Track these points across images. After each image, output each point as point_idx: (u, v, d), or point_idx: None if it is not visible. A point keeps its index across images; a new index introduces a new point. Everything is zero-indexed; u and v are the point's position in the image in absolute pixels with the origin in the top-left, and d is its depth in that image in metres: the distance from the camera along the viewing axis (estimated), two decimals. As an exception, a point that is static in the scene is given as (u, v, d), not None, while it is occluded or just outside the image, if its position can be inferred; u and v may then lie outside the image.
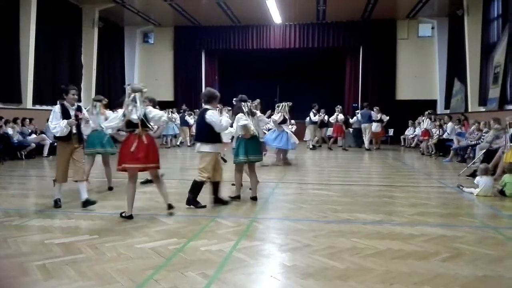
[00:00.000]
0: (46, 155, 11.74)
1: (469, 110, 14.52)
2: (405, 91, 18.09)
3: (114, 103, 18.48)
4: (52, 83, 14.46)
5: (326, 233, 4.26)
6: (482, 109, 13.83)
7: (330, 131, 16.08)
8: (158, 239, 4.01)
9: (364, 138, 15.24)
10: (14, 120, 11.61)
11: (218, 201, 5.56)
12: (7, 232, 4.25)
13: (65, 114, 5.23)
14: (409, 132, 16.48)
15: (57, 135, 5.24)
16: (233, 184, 6.29)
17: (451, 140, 12.05)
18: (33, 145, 11.48)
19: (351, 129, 16.28)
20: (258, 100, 8.31)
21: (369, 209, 5.39)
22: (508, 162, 7.03)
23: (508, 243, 4.05)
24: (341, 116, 15.01)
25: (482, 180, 6.36)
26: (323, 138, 15.81)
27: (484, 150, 8.92)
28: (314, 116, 14.54)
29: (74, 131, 5.28)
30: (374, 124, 15.14)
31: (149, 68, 19.40)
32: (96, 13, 16.25)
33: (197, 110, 15.77)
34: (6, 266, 3.35)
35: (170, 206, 4.98)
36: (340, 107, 15.56)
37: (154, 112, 4.88)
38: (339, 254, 3.61)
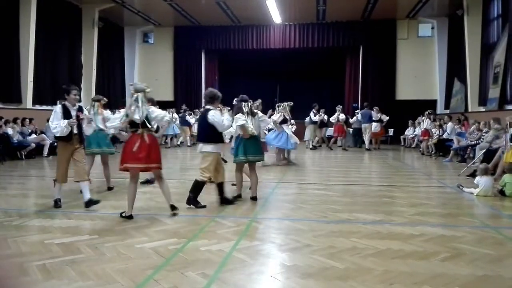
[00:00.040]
0: (46, 155, 11.74)
1: (469, 110, 14.52)
2: (405, 91, 18.10)
3: (114, 103, 18.49)
4: (52, 83, 14.47)
5: (326, 233, 4.26)
6: (482, 109, 13.83)
7: (329, 131, 16.11)
8: (158, 239, 4.01)
9: (364, 138, 15.25)
10: (14, 120, 11.61)
11: (225, 201, 5.56)
12: (7, 232, 4.25)
13: (66, 115, 5.22)
14: (409, 132, 16.48)
15: (57, 135, 5.23)
16: (233, 184, 6.30)
17: (451, 140, 12.05)
18: (33, 145, 11.48)
19: (350, 129, 16.28)
20: (259, 101, 8.33)
21: (369, 209, 5.39)
22: (508, 162, 7.03)
23: (508, 243, 4.05)
24: (342, 116, 15.03)
25: (482, 180, 6.36)
26: (322, 138, 15.81)
27: (484, 150, 8.92)
28: (315, 116, 14.53)
29: (75, 131, 5.27)
30: (374, 124, 15.15)
31: (149, 68, 19.40)
32: (96, 13, 16.26)
33: (197, 110, 15.85)
34: (6, 266, 3.35)
35: (173, 207, 4.93)
36: (341, 106, 15.58)
37: (156, 112, 4.88)
38: (339, 254, 3.61)
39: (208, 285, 2.96)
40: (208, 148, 5.34)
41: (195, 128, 15.53)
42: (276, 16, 17.20)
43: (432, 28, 18.06)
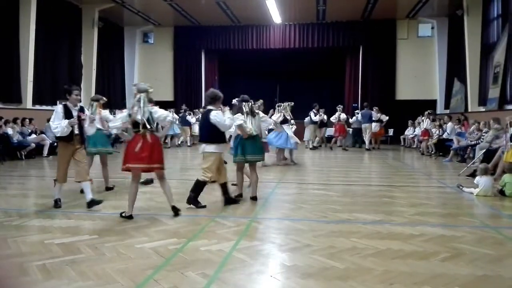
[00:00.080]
0: (46, 155, 11.74)
1: (469, 110, 14.52)
2: (405, 91, 18.10)
3: (114, 103, 18.48)
4: (52, 83, 14.48)
5: (326, 233, 4.26)
6: (482, 109, 13.83)
7: (329, 131, 16.12)
8: (158, 239, 4.01)
9: (364, 138, 15.26)
10: (14, 120, 11.61)
11: (230, 201, 5.57)
12: (7, 232, 4.25)
13: (68, 115, 5.22)
14: (409, 132, 16.48)
15: (58, 135, 5.23)
16: (233, 184, 6.30)
17: (451, 140, 12.06)
18: (33, 145, 11.48)
19: (350, 129, 16.29)
20: (261, 101, 8.34)
21: (369, 209, 5.39)
22: (508, 161, 7.03)
23: (507, 243, 4.05)
24: (343, 116, 15.05)
25: (482, 180, 6.37)
26: (322, 138, 15.81)
27: (484, 150, 8.92)
28: (315, 116, 14.53)
29: (76, 131, 5.26)
30: (374, 124, 15.16)
31: (149, 68, 19.40)
32: (96, 13, 16.26)
33: (197, 110, 15.86)
34: (6, 266, 3.35)
35: (175, 209, 4.90)
36: (342, 106, 15.59)
37: (159, 112, 4.86)
38: (339, 254, 3.61)
39: (208, 285, 2.96)
40: (211, 148, 5.34)
41: (195, 128, 15.55)
42: (276, 16, 17.21)
43: (432, 28, 18.06)
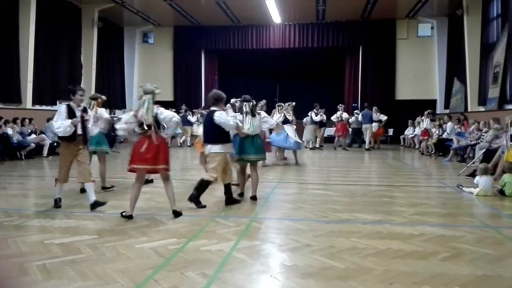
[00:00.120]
0: (45, 155, 11.73)
1: (469, 110, 14.53)
2: (405, 91, 18.10)
3: (114, 103, 18.40)
4: (52, 83, 14.48)
5: (326, 233, 4.27)
6: (481, 108, 13.84)
7: (328, 131, 16.14)
8: (158, 239, 4.02)
9: (364, 138, 15.26)
10: (14, 120, 11.60)
11: (232, 201, 5.57)
12: (7, 232, 4.25)
13: (71, 115, 5.21)
14: (408, 132, 16.49)
15: (60, 134, 5.22)
16: (234, 184, 6.29)
17: (451, 140, 12.06)
18: (33, 145, 11.48)
19: (350, 129, 16.28)
20: (264, 101, 8.35)
21: (369, 209, 5.39)
22: (508, 161, 7.03)
23: (507, 243, 4.05)
24: (345, 115, 15.06)
25: (481, 179, 6.37)
26: (321, 138, 15.79)
27: (484, 150, 8.92)
28: (316, 116, 14.53)
29: (79, 131, 5.26)
30: (374, 124, 15.17)
31: (149, 68, 19.40)
32: (95, 13, 16.26)
33: (196, 110, 15.85)
34: (6, 266, 3.35)
35: (175, 213, 4.88)
36: (343, 105, 15.60)
37: (165, 113, 4.85)
38: (339, 254, 3.61)
39: (208, 285, 2.96)
40: (216, 148, 5.36)
41: (194, 128, 15.53)
42: (275, 16, 17.21)
43: (432, 28, 18.06)
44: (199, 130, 7.22)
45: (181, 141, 16.08)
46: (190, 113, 15.99)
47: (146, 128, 4.74)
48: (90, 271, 3.20)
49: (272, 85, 19.17)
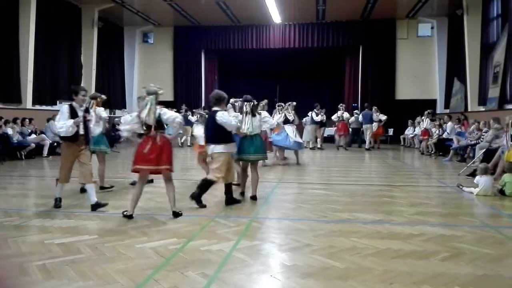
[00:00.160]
0: (45, 155, 11.73)
1: (469, 110, 14.52)
2: (405, 90, 18.09)
3: (114, 103, 18.35)
4: (52, 83, 14.48)
5: (326, 232, 4.26)
6: (481, 108, 13.83)
7: (327, 130, 16.12)
8: (158, 239, 4.02)
9: (365, 138, 15.26)
10: (14, 120, 11.60)
11: (232, 201, 5.57)
12: (7, 232, 4.25)
13: (73, 115, 5.20)
14: (408, 131, 16.49)
15: (62, 134, 5.21)
16: (234, 184, 6.29)
17: (451, 139, 12.06)
18: (33, 145, 11.48)
19: (350, 129, 16.29)
20: (265, 101, 8.35)
21: (369, 208, 5.39)
22: (509, 161, 7.03)
23: (507, 243, 4.05)
24: (346, 115, 15.06)
25: (481, 179, 6.37)
26: (321, 138, 15.79)
27: (484, 150, 8.92)
28: (317, 116, 14.53)
29: (81, 132, 5.25)
30: (374, 124, 15.17)
31: (149, 68, 19.39)
32: (95, 13, 16.25)
33: (195, 110, 15.85)
34: (6, 266, 3.35)
35: (175, 213, 4.87)
36: (344, 105, 15.60)
37: (168, 114, 4.84)
38: (339, 253, 3.61)
39: (208, 285, 2.96)
40: (219, 148, 5.36)
41: (194, 129, 15.50)
42: (275, 16, 17.20)
43: (432, 27, 18.05)
44: (195, 130, 7.21)
45: (182, 141, 16.07)
46: (190, 113, 15.98)
47: (145, 128, 4.74)
48: (90, 271, 3.20)
49: (272, 85, 19.17)
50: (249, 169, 6.11)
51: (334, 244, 3.86)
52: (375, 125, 15.24)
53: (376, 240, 3.99)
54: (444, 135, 12.87)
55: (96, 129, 5.74)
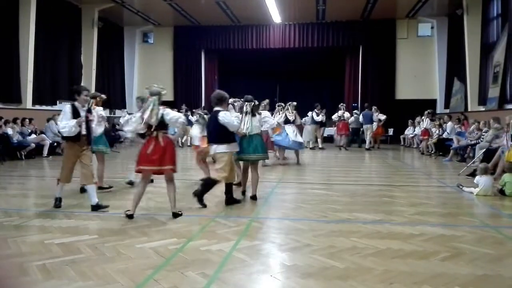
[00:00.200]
0: (45, 155, 11.73)
1: (469, 110, 14.52)
2: (405, 90, 18.09)
3: (114, 103, 18.30)
4: (52, 83, 14.47)
5: (326, 232, 4.26)
6: (481, 108, 13.83)
7: (327, 130, 16.11)
8: (158, 239, 4.02)
9: (365, 138, 15.26)
10: (14, 120, 11.60)
11: (232, 201, 5.57)
12: (7, 232, 4.25)
13: (76, 115, 5.19)
14: (408, 131, 16.49)
15: (65, 134, 5.20)
16: (235, 184, 6.29)
17: (451, 139, 12.06)
18: (33, 145, 11.48)
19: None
20: (267, 100, 8.34)
21: (369, 208, 5.39)
22: (509, 161, 7.03)
23: (507, 243, 4.05)
24: (347, 114, 15.05)
25: (481, 179, 6.37)
26: (321, 138, 15.80)
27: (484, 150, 8.92)
28: (317, 116, 14.53)
29: (83, 132, 5.24)
30: (374, 124, 15.17)
31: (149, 68, 19.39)
32: (95, 13, 16.25)
33: (195, 110, 15.85)
34: (6, 266, 3.35)
35: (175, 214, 4.86)
36: (344, 105, 15.60)
37: (171, 114, 4.84)
38: (339, 253, 3.61)
39: (208, 285, 2.96)
40: (222, 148, 5.37)
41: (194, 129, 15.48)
42: (275, 15, 17.20)
43: (432, 27, 18.05)
44: (192, 130, 7.22)
45: (183, 140, 16.06)
46: (190, 113, 15.97)
47: (146, 129, 4.75)
48: (90, 271, 3.20)
49: (272, 85, 19.18)
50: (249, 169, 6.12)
51: (334, 244, 3.86)
52: (374, 124, 15.24)
53: (376, 240, 3.99)
54: (444, 135, 12.87)
55: (98, 129, 5.74)
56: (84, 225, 4.56)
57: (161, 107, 4.81)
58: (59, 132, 11.36)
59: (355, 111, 16.16)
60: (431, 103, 17.09)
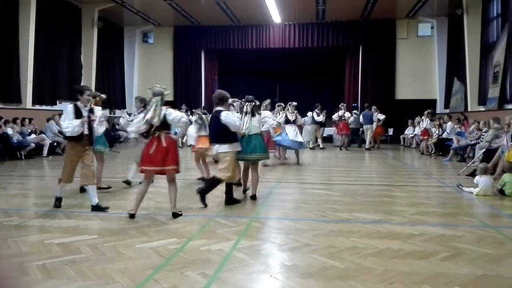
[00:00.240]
0: (45, 155, 11.73)
1: (469, 110, 14.52)
2: (405, 90, 18.10)
3: (114, 103, 18.28)
4: (52, 83, 14.47)
5: (326, 232, 4.27)
6: (481, 108, 13.83)
7: (327, 130, 16.10)
8: (158, 239, 4.02)
9: (365, 138, 15.26)
10: (14, 120, 11.60)
11: (231, 201, 5.57)
12: (7, 232, 4.25)
13: (78, 115, 5.19)
14: (408, 131, 16.49)
15: (68, 134, 5.19)
16: (235, 184, 6.29)
17: (451, 139, 12.06)
18: (33, 145, 11.48)
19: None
20: (268, 100, 8.33)
21: (369, 208, 5.39)
22: (508, 161, 7.03)
23: (507, 243, 4.05)
24: (348, 114, 15.06)
25: (481, 179, 6.37)
26: (321, 138, 15.80)
27: (484, 150, 8.92)
28: (318, 116, 14.52)
29: (86, 132, 5.24)
30: (374, 124, 15.18)
31: (149, 68, 19.39)
32: (95, 13, 16.25)
33: (195, 110, 15.85)
34: (6, 266, 3.35)
35: (175, 215, 4.86)
36: (345, 105, 15.60)
37: (174, 114, 4.83)
38: (339, 253, 3.61)
39: (208, 285, 2.96)
40: (225, 148, 5.38)
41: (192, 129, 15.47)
42: (275, 15, 17.20)
43: (432, 27, 18.05)
44: (189, 129, 7.22)
45: (183, 141, 16.05)
46: (190, 113, 15.96)
47: (147, 129, 4.75)
48: (90, 271, 3.20)
49: (272, 85, 19.18)
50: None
51: (334, 244, 3.86)
52: (374, 124, 15.24)
53: (376, 240, 3.99)
54: (444, 135, 12.87)
55: (99, 128, 5.73)
56: (84, 225, 4.56)
57: (163, 107, 4.80)
58: (60, 132, 11.37)
59: (354, 111, 16.16)
60: (431, 103, 17.09)
